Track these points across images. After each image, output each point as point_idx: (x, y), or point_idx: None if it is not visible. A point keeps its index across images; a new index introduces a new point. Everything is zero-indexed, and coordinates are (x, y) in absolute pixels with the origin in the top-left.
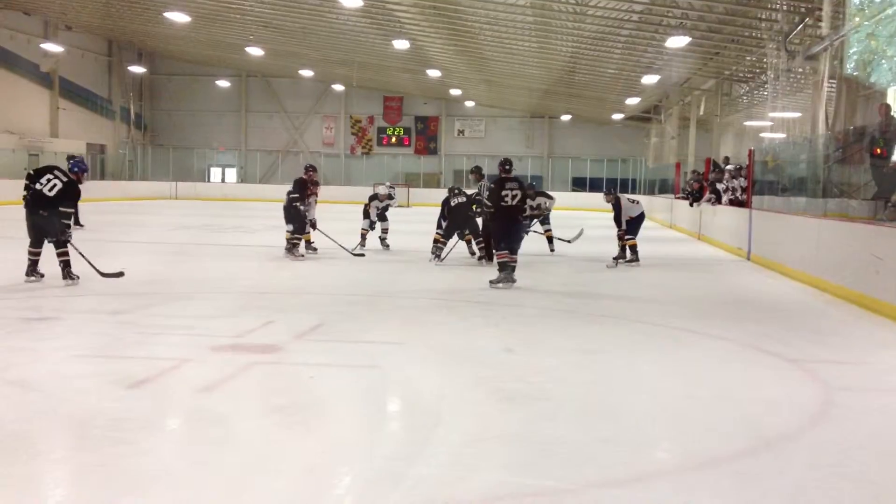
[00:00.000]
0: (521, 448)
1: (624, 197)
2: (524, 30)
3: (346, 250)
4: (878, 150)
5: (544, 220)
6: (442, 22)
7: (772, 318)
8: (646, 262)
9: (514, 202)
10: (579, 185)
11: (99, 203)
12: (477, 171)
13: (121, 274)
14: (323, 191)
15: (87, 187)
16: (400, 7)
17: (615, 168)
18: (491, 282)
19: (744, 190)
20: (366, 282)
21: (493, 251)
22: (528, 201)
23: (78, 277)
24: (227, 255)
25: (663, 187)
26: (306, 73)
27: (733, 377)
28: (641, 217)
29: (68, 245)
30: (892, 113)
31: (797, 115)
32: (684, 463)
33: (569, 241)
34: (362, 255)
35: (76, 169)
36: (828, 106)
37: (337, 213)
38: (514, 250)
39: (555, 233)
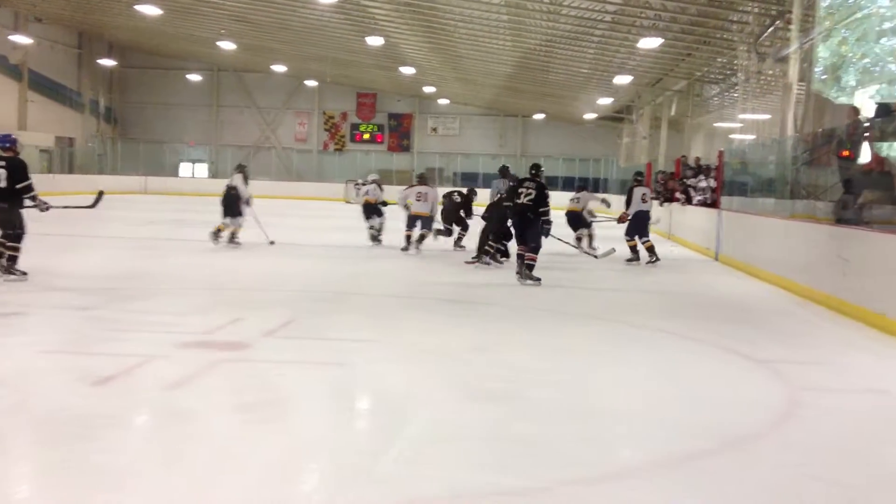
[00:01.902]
0: (491, 446)
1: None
2: (498, 28)
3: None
4: (846, 153)
5: (577, 224)
6: (416, 19)
7: (739, 319)
8: (617, 262)
9: (525, 200)
10: (552, 183)
11: (67, 197)
12: (503, 171)
13: (100, 194)
14: (295, 187)
15: (57, 181)
16: (374, 3)
17: (587, 167)
18: (527, 279)
19: (713, 191)
20: (337, 278)
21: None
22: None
23: (25, 274)
24: (196, 250)
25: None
26: (279, 68)
27: (702, 377)
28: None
29: (21, 240)
30: (859, 116)
31: (767, 117)
32: (654, 462)
33: (595, 257)
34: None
35: (7, 144)
36: (796, 108)
37: (310, 210)
38: (535, 248)
39: (585, 241)
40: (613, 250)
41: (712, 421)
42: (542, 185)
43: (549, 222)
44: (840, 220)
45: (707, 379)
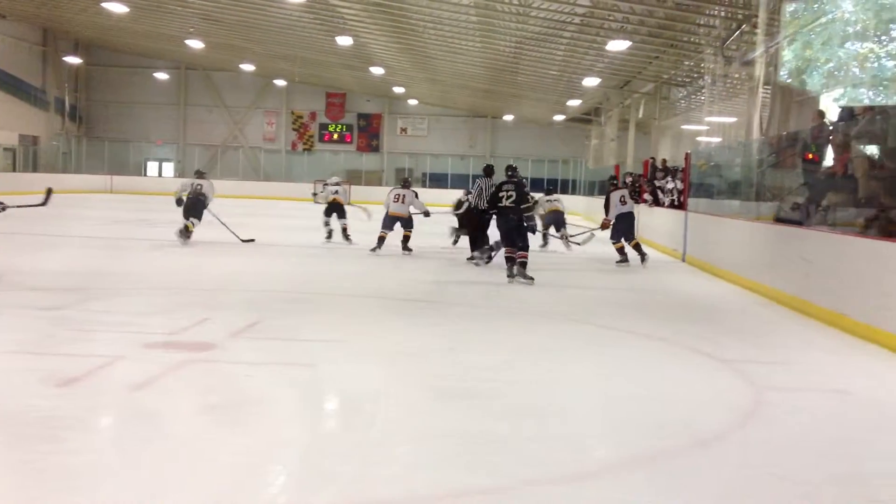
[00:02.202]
0: (460, 446)
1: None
2: (468, 29)
3: (238, 238)
4: (810, 156)
5: (559, 225)
6: (386, 19)
7: (705, 319)
8: (585, 262)
9: (509, 202)
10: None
11: (31, 196)
12: (489, 171)
13: (49, 192)
14: (264, 187)
15: (19, 179)
16: (343, 3)
17: (556, 169)
18: (521, 278)
19: (680, 192)
20: (304, 278)
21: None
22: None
23: None
24: (162, 250)
25: (603, 188)
26: (247, 67)
27: (667, 377)
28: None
29: None
30: (824, 119)
31: (733, 119)
32: (620, 461)
33: (579, 244)
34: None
35: None
36: (762, 111)
37: (278, 209)
38: (523, 247)
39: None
40: (593, 234)
41: (677, 420)
42: (520, 185)
43: (532, 218)
44: (782, 220)
45: (672, 379)
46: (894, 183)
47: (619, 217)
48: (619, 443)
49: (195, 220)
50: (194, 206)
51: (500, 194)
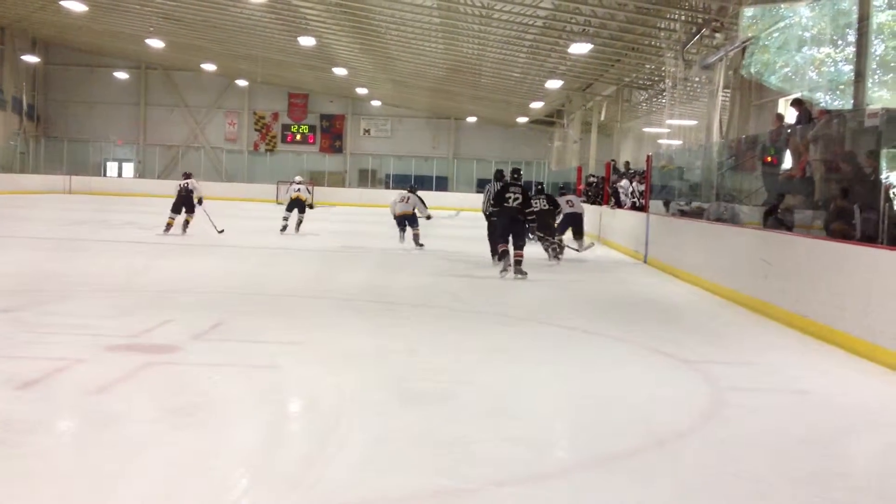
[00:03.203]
0: (423, 448)
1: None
2: (431, 31)
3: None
4: (769, 158)
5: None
6: (348, 20)
7: (666, 320)
8: (547, 265)
9: (515, 204)
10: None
11: None
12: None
13: None
14: (226, 188)
15: None
16: (305, 4)
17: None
18: (501, 272)
19: (642, 194)
20: (267, 280)
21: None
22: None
23: None
24: (123, 251)
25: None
26: (209, 66)
27: (628, 377)
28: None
29: None
30: (783, 122)
31: (693, 122)
32: (581, 462)
33: (577, 250)
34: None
35: None
36: (722, 114)
37: (239, 210)
38: (521, 246)
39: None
40: (593, 244)
41: (637, 420)
42: (525, 189)
43: (534, 221)
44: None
45: (632, 379)
46: (850, 185)
47: (566, 216)
48: (579, 443)
49: (183, 214)
50: (183, 202)
51: (507, 195)
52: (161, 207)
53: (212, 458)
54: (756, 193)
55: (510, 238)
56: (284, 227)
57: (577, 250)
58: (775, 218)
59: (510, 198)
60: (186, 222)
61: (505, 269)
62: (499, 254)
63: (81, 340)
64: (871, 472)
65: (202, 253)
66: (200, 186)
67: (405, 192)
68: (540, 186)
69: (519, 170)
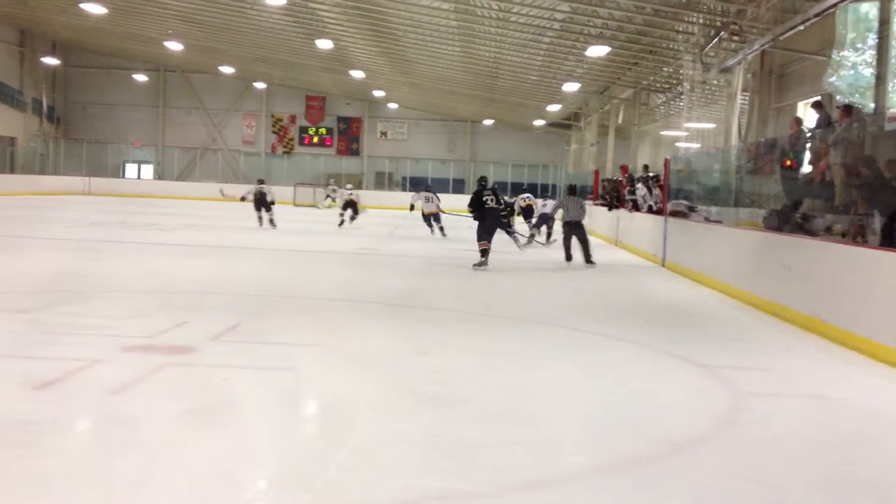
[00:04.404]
0: (435, 450)
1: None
2: (448, 34)
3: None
4: (788, 162)
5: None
6: (366, 23)
7: (684, 324)
8: (563, 267)
9: (493, 205)
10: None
11: (7, 198)
12: (573, 189)
13: None
14: (243, 190)
15: None
16: (323, 6)
17: (536, 173)
18: (474, 265)
19: (660, 198)
20: (283, 282)
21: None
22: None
23: None
24: (141, 253)
25: (582, 194)
26: (227, 69)
27: (645, 381)
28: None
29: None
30: (802, 126)
31: (711, 126)
32: (596, 466)
33: (542, 243)
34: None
35: None
36: (740, 118)
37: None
38: (510, 233)
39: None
40: (555, 240)
41: (654, 425)
42: (495, 192)
43: (507, 216)
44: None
45: (650, 383)
46: (871, 189)
47: (541, 216)
48: (593, 448)
49: (265, 211)
50: (261, 202)
51: (484, 198)
52: (180, 209)
53: (227, 458)
54: (775, 197)
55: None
56: (342, 223)
57: (543, 243)
58: (795, 221)
59: (488, 200)
60: (271, 220)
61: (482, 264)
62: (482, 251)
63: (99, 341)
64: (893, 479)
65: (219, 255)
66: (272, 189)
67: (428, 193)
68: (483, 183)
69: (485, 177)
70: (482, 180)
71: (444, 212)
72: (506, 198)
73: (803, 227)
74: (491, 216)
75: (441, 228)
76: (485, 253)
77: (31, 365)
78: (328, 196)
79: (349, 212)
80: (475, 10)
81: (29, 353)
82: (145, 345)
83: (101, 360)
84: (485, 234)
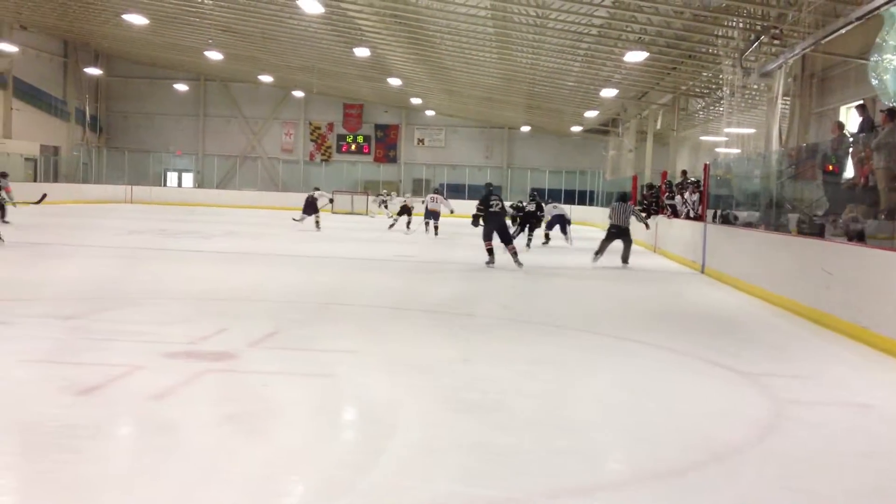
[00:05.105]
0: (474, 458)
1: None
2: (485, 40)
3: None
4: (830, 167)
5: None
6: (402, 31)
7: (724, 331)
8: (601, 273)
9: (498, 209)
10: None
11: (51, 206)
12: (624, 197)
13: (43, 196)
14: (283, 197)
15: (40, 189)
16: (361, 15)
17: (573, 180)
18: (486, 262)
19: (699, 204)
20: (321, 289)
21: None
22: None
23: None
24: (181, 260)
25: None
26: (265, 78)
27: (684, 389)
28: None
29: None
30: (844, 131)
31: (752, 131)
32: (634, 474)
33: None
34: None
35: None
36: (781, 122)
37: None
38: (509, 240)
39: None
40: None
41: (694, 434)
42: (500, 197)
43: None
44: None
45: (689, 391)
46: None
47: (553, 217)
48: (633, 456)
49: (311, 214)
50: (309, 204)
51: (491, 202)
52: (220, 217)
53: (267, 464)
54: (817, 203)
55: (497, 236)
56: (392, 225)
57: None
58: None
59: (494, 204)
60: (317, 222)
61: (491, 262)
62: (488, 250)
63: (140, 347)
64: None
65: (259, 262)
66: (325, 194)
67: (435, 194)
68: (491, 188)
69: (490, 183)
70: (489, 185)
71: (451, 211)
72: (522, 203)
73: (846, 233)
74: (495, 219)
75: (436, 227)
76: (490, 252)
77: (74, 371)
78: (382, 202)
79: (405, 217)
80: (512, 16)
81: (72, 358)
82: (187, 351)
83: (143, 366)
84: (489, 235)
